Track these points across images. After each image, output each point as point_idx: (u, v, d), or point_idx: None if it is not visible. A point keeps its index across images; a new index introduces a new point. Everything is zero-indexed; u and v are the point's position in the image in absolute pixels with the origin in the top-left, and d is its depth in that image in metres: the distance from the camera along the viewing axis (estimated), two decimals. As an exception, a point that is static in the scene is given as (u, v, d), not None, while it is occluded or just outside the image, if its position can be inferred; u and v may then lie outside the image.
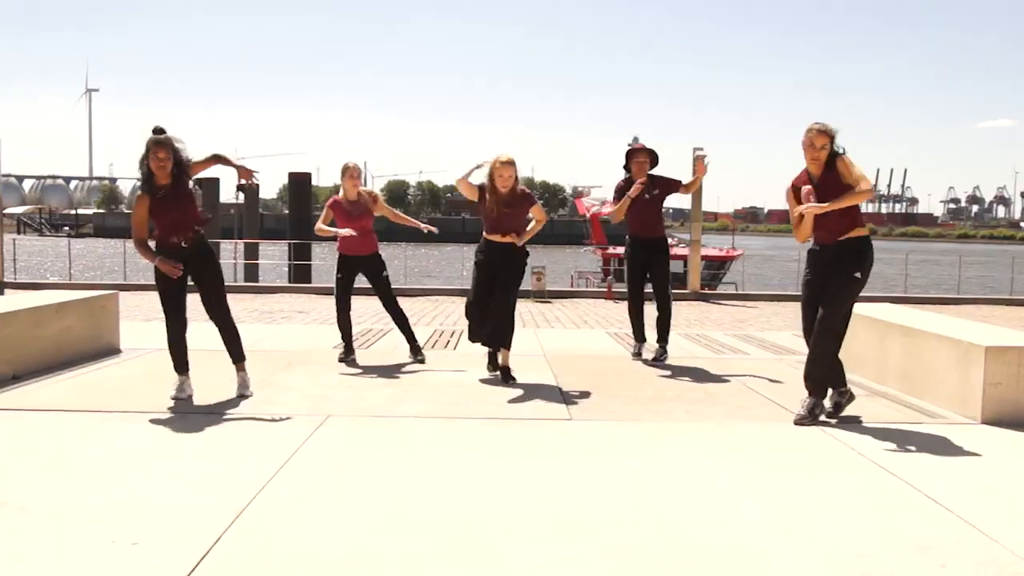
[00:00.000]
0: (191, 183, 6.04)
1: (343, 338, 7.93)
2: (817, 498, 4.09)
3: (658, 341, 8.20)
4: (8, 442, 4.89)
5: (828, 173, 5.52)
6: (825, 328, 5.59)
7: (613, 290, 17.68)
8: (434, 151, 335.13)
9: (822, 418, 5.68)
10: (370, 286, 7.99)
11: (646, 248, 8.22)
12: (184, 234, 5.94)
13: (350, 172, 7.76)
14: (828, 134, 5.49)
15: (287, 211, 39.76)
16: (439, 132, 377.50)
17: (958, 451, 5.04)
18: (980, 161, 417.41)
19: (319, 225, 7.74)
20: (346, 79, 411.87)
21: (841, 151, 5.52)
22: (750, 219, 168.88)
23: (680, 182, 8.19)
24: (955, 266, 23.94)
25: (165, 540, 3.35)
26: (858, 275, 5.53)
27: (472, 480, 4.27)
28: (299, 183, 30.31)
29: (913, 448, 5.07)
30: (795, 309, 15.60)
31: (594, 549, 3.37)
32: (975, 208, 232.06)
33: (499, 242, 6.90)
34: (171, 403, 5.86)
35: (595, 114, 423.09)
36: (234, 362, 6.29)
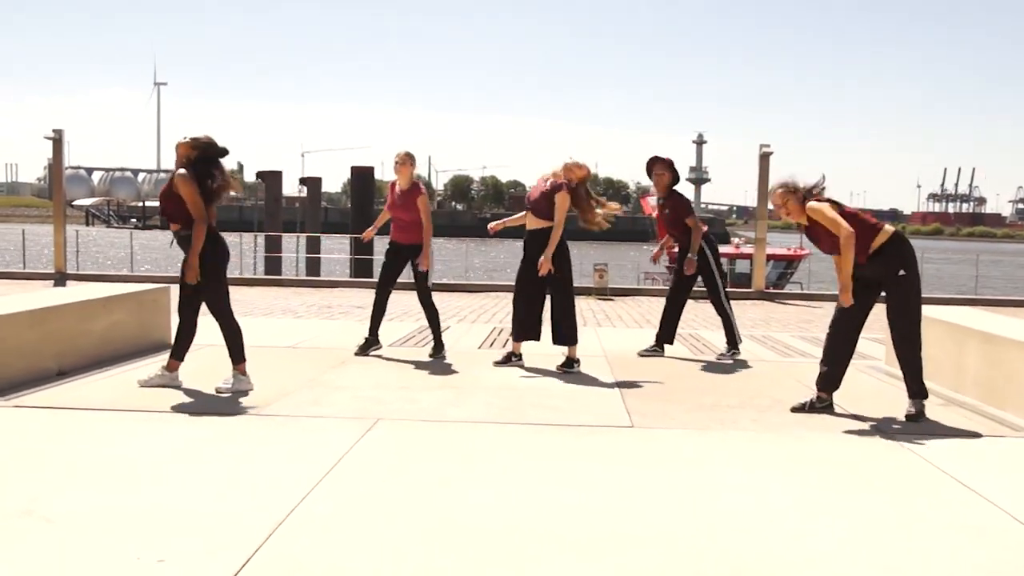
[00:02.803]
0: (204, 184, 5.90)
1: (369, 327, 7.95)
2: (891, 518, 3.76)
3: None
4: (42, 443, 4.74)
5: (811, 221, 5.61)
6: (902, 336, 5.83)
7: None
8: (498, 146, 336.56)
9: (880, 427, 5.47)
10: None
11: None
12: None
13: (399, 160, 7.83)
14: (775, 191, 5.67)
15: (350, 205, 39.89)
16: (503, 127, 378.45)
17: (1049, 469, 4.66)
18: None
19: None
20: (412, 73, 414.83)
21: (804, 196, 5.59)
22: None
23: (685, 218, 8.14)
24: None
25: (194, 556, 3.16)
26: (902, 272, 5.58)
27: (524, 491, 4.02)
28: (362, 177, 30.19)
29: (997, 464, 4.71)
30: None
31: (643, 565, 3.12)
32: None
33: None
34: (213, 403, 5.72)
35: (659, 111, 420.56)
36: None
